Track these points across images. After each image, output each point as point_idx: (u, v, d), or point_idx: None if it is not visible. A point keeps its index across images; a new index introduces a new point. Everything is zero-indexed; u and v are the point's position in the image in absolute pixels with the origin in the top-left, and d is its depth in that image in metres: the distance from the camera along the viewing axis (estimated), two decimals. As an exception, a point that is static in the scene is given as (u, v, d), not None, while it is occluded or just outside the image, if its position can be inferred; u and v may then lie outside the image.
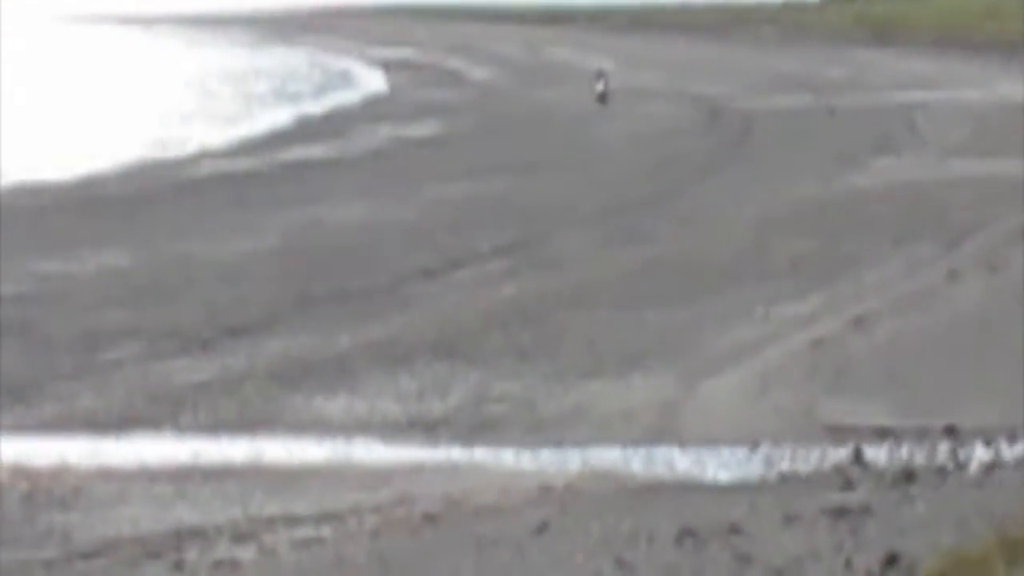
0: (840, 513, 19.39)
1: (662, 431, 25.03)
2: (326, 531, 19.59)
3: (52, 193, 60.36)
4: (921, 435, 23.86)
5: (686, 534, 18.52)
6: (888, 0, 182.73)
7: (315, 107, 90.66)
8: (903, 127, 68.86)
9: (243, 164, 64.38)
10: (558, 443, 24.31)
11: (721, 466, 23.24)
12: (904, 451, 23.41)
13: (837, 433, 24.23)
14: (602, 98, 76.51)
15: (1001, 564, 14.19)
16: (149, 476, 22.96)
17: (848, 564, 16.70)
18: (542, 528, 19.13)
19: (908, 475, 22.01)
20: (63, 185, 61.50)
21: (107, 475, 23.17)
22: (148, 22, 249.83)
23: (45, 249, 46.80)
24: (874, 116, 75.96)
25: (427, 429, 25.20)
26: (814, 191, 53.16)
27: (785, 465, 23.01)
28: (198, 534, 19.61)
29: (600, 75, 78.32)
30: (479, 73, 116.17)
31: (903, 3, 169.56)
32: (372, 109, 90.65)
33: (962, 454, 23.05)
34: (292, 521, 19.90)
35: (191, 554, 18.71)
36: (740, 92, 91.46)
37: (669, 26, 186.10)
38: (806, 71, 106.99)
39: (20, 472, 23.10)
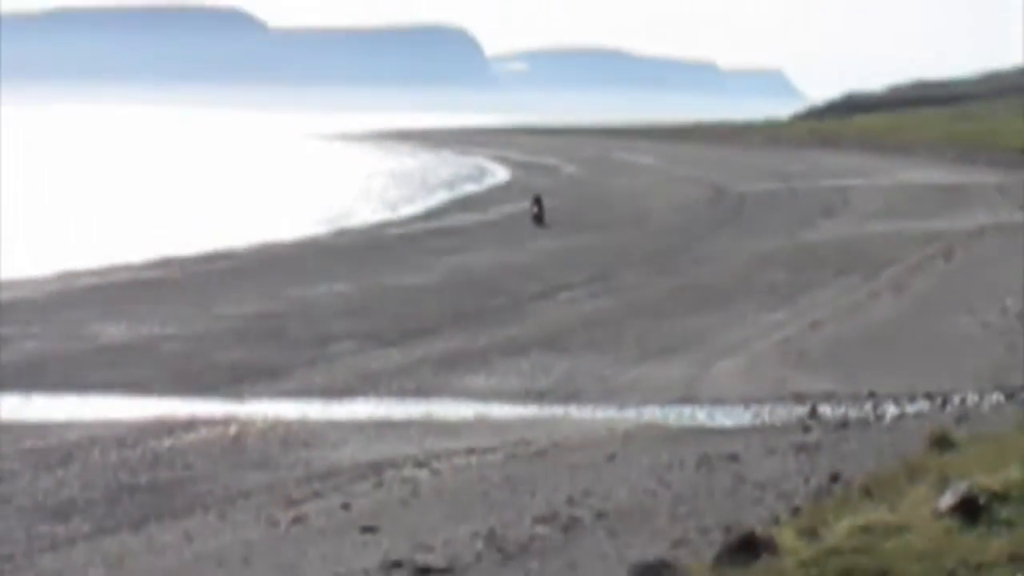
0: (801, 448, 23.91)
1: (687, 396, 30.56)
2: (473, 460, 25.20)
3: (296, 246, 70.55)
4: (853, 398, 29.34)
5: (703, 462, 23.46)
6: (828, 120, 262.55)
7: (465, 191, 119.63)
8: (839, 201, 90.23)
9: (418, 227, 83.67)
10: (620, 405, 30.38)
11: (725, 418, 28.51)
12: (842, 408, 28.31)
13: (799, 397, 29.48)
14: (537, 219, 75.66)
15: (903, 480, 16.72)
16: (359, 426, 29.07)
17: (807, 480, 21.27)
18: (611, 458, 24.54)
19: (845, 423, 26.67)
20: (301, 241, 72.50)
21: (333, 426, 29.43)
22: (361, 137, 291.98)
23: (294, 281, 54.80)
24: (820, 194, 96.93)
25: (537, 396, 31.47)
26: (783, 241, 65.86)
27: (766, 417, 27.86)
28: (391, 463, 25.07)
29: (536, 200, 77.66)
30: (568, 168, 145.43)
31: (837, 122, 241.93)
32: (498, 193, 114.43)
33: (879, 410, 28.13)
34: (451, 454, 25.80)
35: (387, 475, 24.32)
36: (736, 178, 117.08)
37: (692, 136, 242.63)
38: (778, 165, 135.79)
39: (279, 424, 29.70)
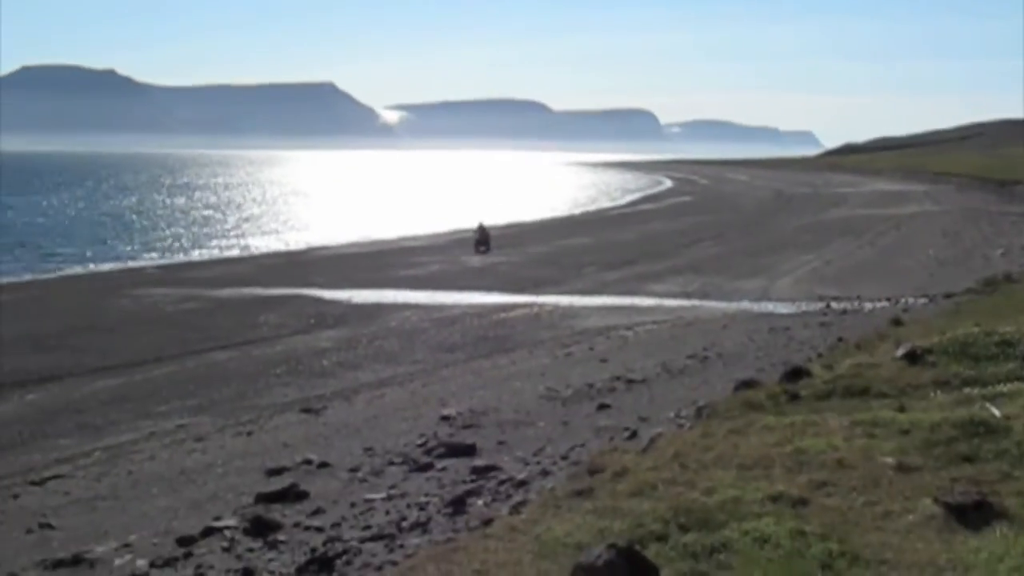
0: (822, 324, 23.37)
1: (763, 296, 30.06)
2: (654, 327, 24.77)
3: (562, 219, 72.39)
4: (849, 299, 28.62)
5: (771, 330, 22.63)
6: (835, 156, 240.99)
7: (648, 192, 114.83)
8: (840, 199, 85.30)
9: (625, 210, 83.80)
10: (729, 300, 29.65)
11: (782, 308, 27.75)
12: (843, 304, 27.52)
13: (821, 297, 28.81)
14: (477, 246, 47.92)
15: (876, 341, 16.14)
16: (598, 309, 28.91)
17: (825, 340, 20.45)
18: (724, 327, 24.38)
19: (845, 312, 25.95)
20: (565, 217, 74.59)
21: (585, 308, 29.36)
22: (591, 165, 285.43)
23: (560, 237, 54.99)
24: (831, 195, 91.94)
25: (687, 295, 30.67)
26: (811, 219, 64.13)
27: (803, 308, 27.09)
28: (614, 328, 25.43)
29: (480, 228, 49.52)
30: (702, 181, 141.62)
31: (840, 158, 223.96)
32: (666, 193, 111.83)
33: (863, 305, 27.36)
34: (643, 324, 25.81)
35: (612, 334, 24.18)
36: (787, 186, 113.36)
37: (764, 165, 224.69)
38: (809, 180, 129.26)
39: (558, 307, 29.65)
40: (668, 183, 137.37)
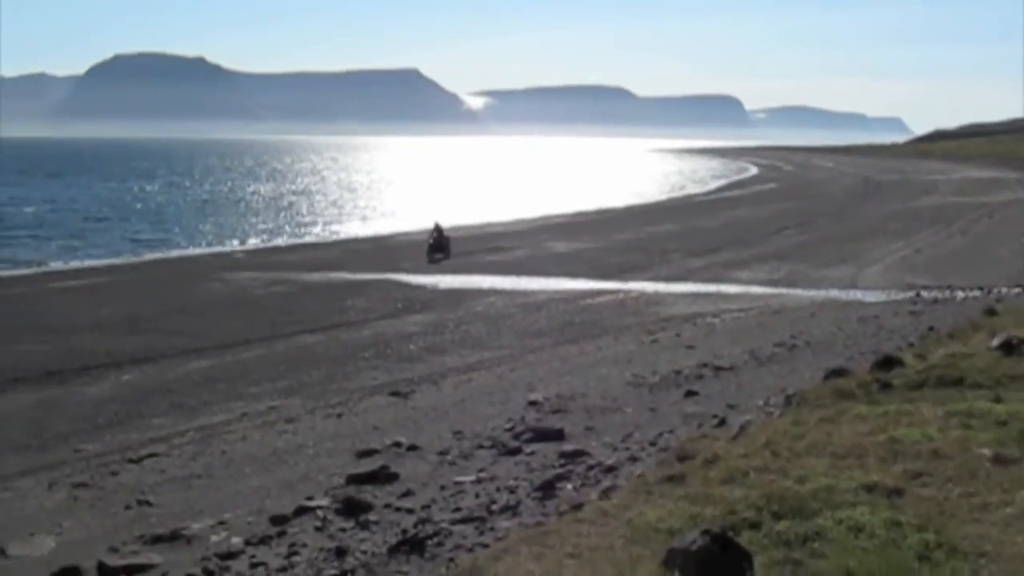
0: (912, 312, 23.03)
1: (851, 284, 29.81)
2: (741, 315, 24.67)
3: (649, 206, 72.26)
4: (940, 288, 28.30)
5: (860, 319, 22.33)
6: (925, 143, 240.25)
7: (734, 179, 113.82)
8: (931, 187, 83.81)
9: (711, 196, 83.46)
10: (816, 288, 29.46)
11: (872, 297, 27.41)
12: (934, 293, 27.17)
13: (911, 286, 28.46)
14: (431, 253, 39.92)
15: (970, 331, 15.92)
16: (684, 296, 28.90)
17: (916, 329, 20.10)
18: (812, 315, 23.80)
19: (936, 301, 25.51)
20: (652, 203, 74.60)
21: (671, 295, 29.44)
22: (677, 151, 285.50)
23: (647, 223, 54.84)
24: (921, 183, 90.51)
25: (773, 283, 30.52)
26: (901, 206, 62.96)
27: (893, 297, 26.71)
28: (700, 315, 24.93)
29: (436, 228, 41.89)
30: (787, 167, 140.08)
31: (930, 145, 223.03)
32: (751, 180, 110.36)
33: (954, 294, 26.96)
34: (729, 311, 25.56)
35: (698, 321, 24.18)
36: (875, 173, 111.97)
37: (852, 152, 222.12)
38: (897, 167, 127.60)
39: (643, 294, 29.76)
40: (753, 170, 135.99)
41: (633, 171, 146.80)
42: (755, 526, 7.08)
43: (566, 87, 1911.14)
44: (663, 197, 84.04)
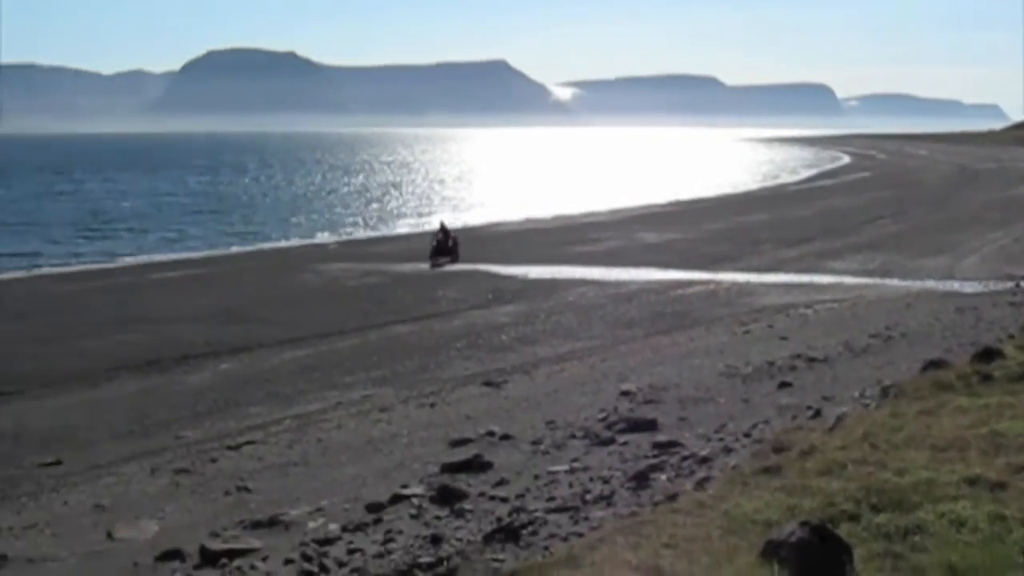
0: (1012, 303, 22.61)
1: (948, 275, 29.18)
2: (835, 305, 24.46)
3: (739, 196, 71.68)
4: None
5: (958, 310, 21.98)
6: (1023, 130, 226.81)
7: (826, 168, 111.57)
8: None
9: (803, 186, 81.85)
10: (912, 279, 28.85)
11: (969, 288, 26.89)
12: None
13: (1010, 276, 27.77)
14: (435, 256, 36.08)
15: None
16: (776, 286, 28.71)
17: (1016, 320, 19.83)
18: (908, 306, 23.72)
19: None
20: (742, 193, 74.53)
21: (762, 286, 29.14)
22: (767, 140, 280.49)
23: (737, 213, 54.48)
24: (1018, 171, 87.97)
25: (867, 273, 30.18)
26: (998, 195, 61.70)
27: (992, 287, 26.18)
28: (792, 305, 24.66)
29: (442, 229, 37.96)
30: (880, 156, 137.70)
31: None
32: (843, 169, 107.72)
33: None
34: (823, 302, 25.30)
35: (791, 312, 23.91)
36: (971, 162, 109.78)
37: (946, 140, 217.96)
38: (994, 155, 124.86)
39: (735, 284, 29.57)
40: (845, 159, 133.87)
41: (723, 161, 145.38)
42: (854, 518, 7.05)
43: (655, 76, 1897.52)
44: (754, 186, 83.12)
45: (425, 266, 35.70)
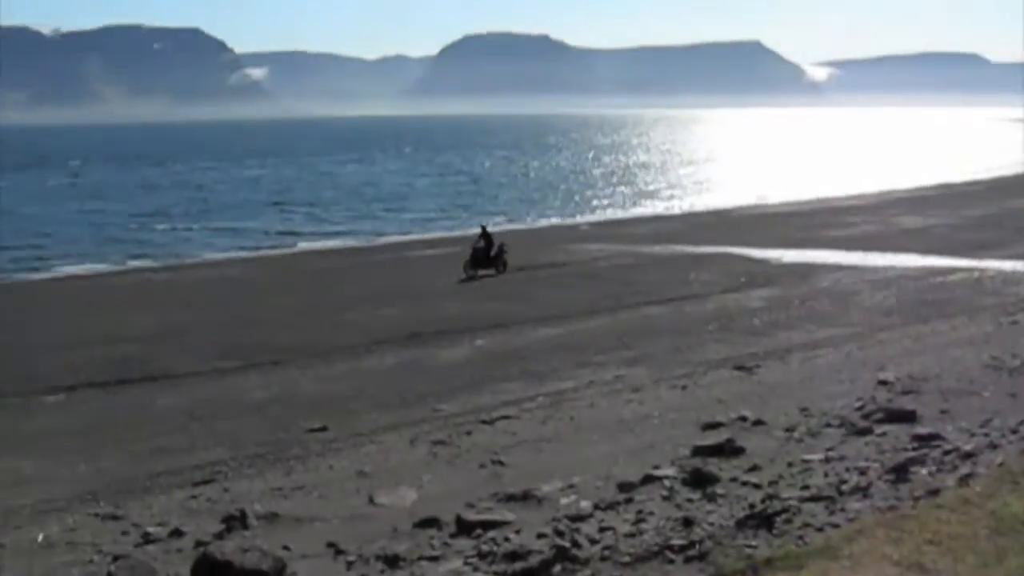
0: None
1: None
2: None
3: (1001, 180, 65.46)
4: None
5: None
6: None
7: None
8: None
9: None
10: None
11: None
12: None
13: None
14: (471, 266, 30.77)
15: None
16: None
17: None
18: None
19: None
20: (999, 179, 68.19)
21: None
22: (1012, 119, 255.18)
23: (992, 201, 51.08)
24: None
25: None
26: None
27: None
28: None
29: (482, 236, 32.03)
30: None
31: None
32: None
33: None
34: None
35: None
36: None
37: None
38: None
39: (1000, 272, 27.94)
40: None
41: (987, 143, 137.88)
42: None
43: (914, 55, 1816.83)
44: (1022, 170, 78.61)
45: (681, 247, 35.48)
